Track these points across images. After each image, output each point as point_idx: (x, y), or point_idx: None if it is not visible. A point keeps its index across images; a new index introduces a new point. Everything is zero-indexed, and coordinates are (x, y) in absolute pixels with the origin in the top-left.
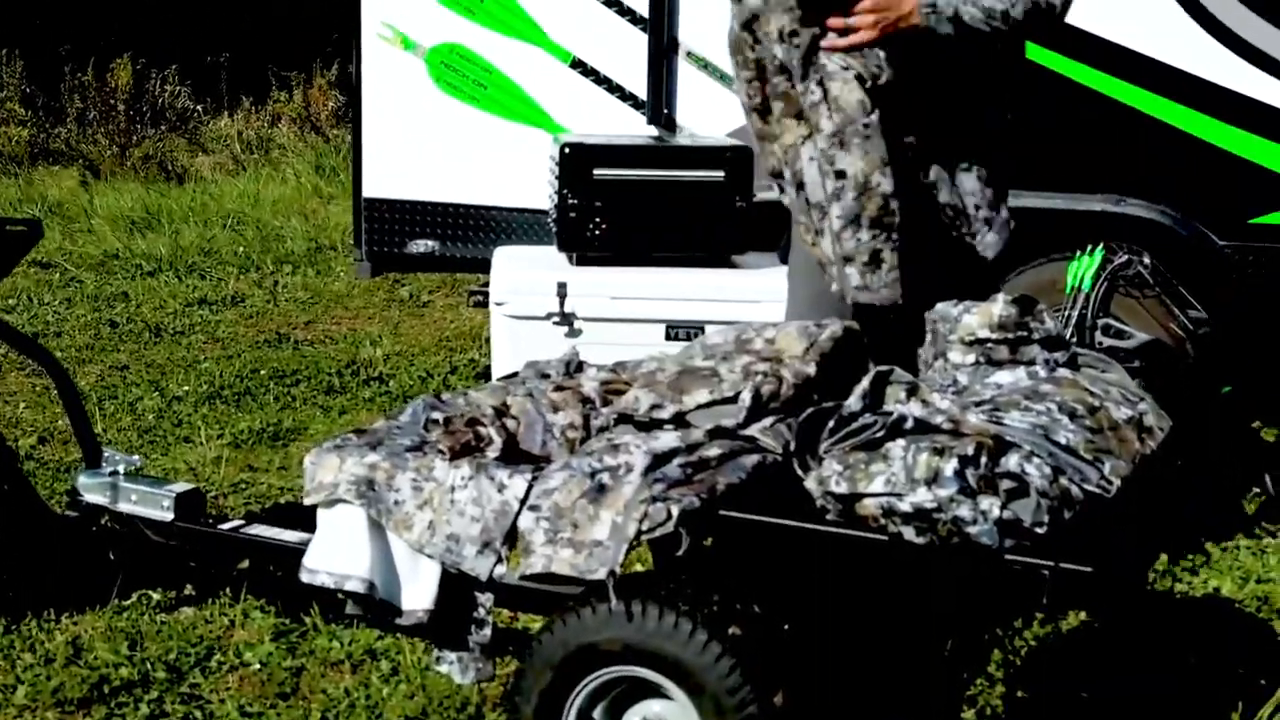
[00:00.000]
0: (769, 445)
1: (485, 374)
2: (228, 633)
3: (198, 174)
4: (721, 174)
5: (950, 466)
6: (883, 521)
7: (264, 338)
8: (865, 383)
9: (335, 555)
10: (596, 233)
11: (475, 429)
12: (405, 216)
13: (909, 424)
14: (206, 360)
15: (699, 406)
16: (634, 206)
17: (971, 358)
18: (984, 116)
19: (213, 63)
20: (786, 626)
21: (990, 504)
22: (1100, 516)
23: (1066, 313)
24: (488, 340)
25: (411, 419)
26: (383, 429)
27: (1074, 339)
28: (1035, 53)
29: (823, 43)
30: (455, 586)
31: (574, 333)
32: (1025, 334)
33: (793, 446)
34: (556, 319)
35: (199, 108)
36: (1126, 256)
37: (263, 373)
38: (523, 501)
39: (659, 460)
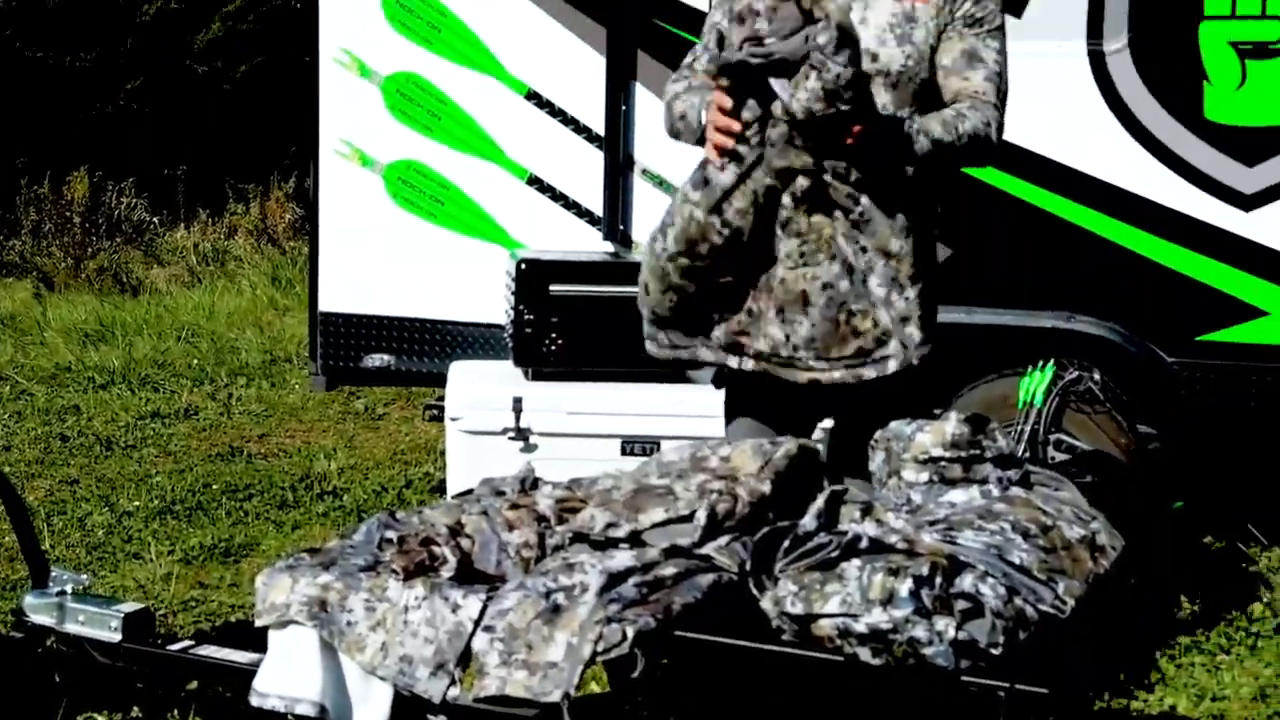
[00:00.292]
0: (724, 564)
1: (441, 488)
2: None
3: (153, 286)
4: None
5: (905, 587)
6: (838, 642)
7: (217, 451)
8: (820, 502)
9: (286, 677)
10: (552, 348)
11: (429, 548)
12: (361, 331)
13: (864, 544)
14: (158, 474)
15: (654, 525)
16: (590, 322)
17: (925, 476)
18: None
19: (170, 175)
20: None
21: (946, 625)
22: (1055, 637)
23: (1019, 428)
24: (443, 454)
25: (365, 538)
26: (336, 548)
27: (1026, 454)
28: (988, 174)
29: None
30: (408, 709)
31: (530, 448)
32: (978, 452)
33: (748, 566)
34: (512, 434)
35: (155, 220)
36: (1077, 373)
37: (215, 487)
38: (477, 622)
39: (614, 580)
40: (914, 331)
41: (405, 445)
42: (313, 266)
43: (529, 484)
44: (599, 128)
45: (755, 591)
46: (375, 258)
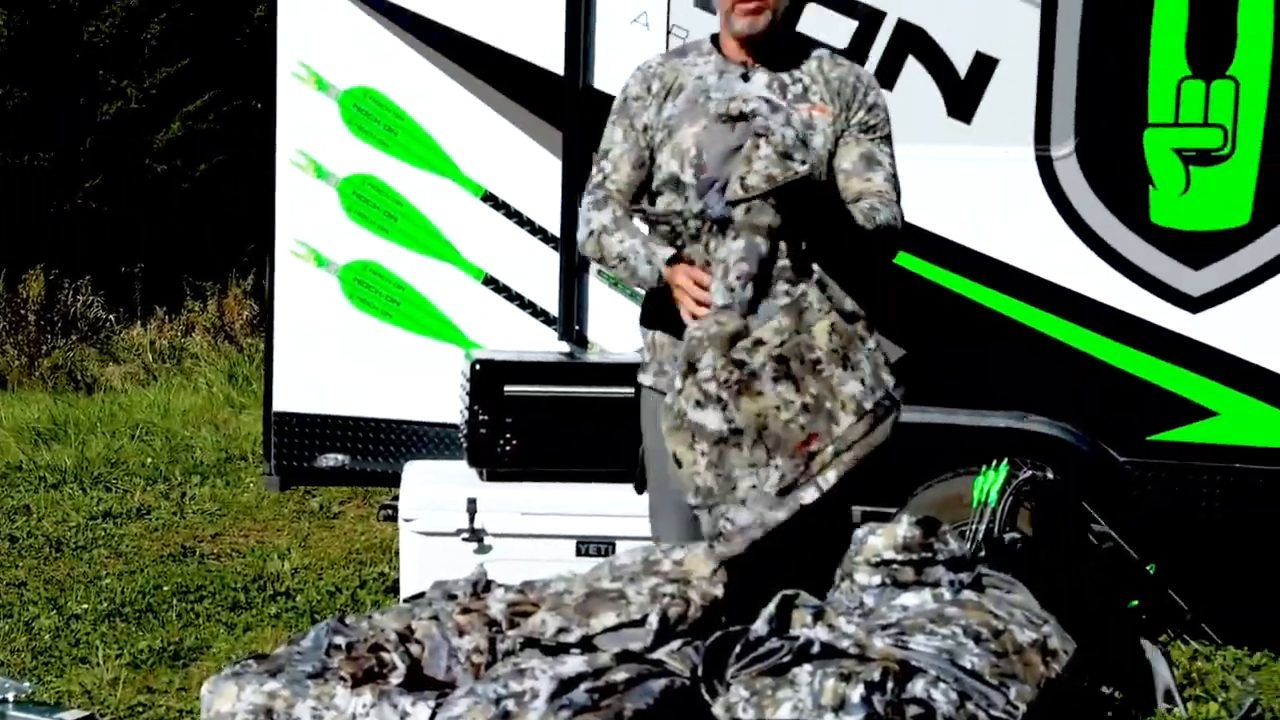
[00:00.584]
0: (676, 669)
1: (395, 588)
2: None
3: (108, 384)
4: (632, 390)
5: (857, 693)
6: None
7: (169, 551)
8: (771, 606)
9: None
10: (507, 448)
11: (378, 654)
12: (315, 430)
13: (816, 649)
14: (108, 576)
15: (606, 630)
16: (544, 422)
17: (878, 579)
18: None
19: (127, 273)
20: None
21: None
22: None
23: (974, 527)
24: (399, 554)
25: (314, 644)
26: (284, 655)
27: (982, 553)
28: (941, 276)
29: None
30: None
31: (484, 549)
32: (930, 555)
33: (700, 671)
34: (466, 535)
35: (111, 318)
36: (1031, 472)
37: (165, 588)
38: None
39: (565, 686)
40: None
41: (360, 544)
42: (268, 366)
43: (481, 587)
44: (554, 229)
45: (707, 697)
46: (330, 357)
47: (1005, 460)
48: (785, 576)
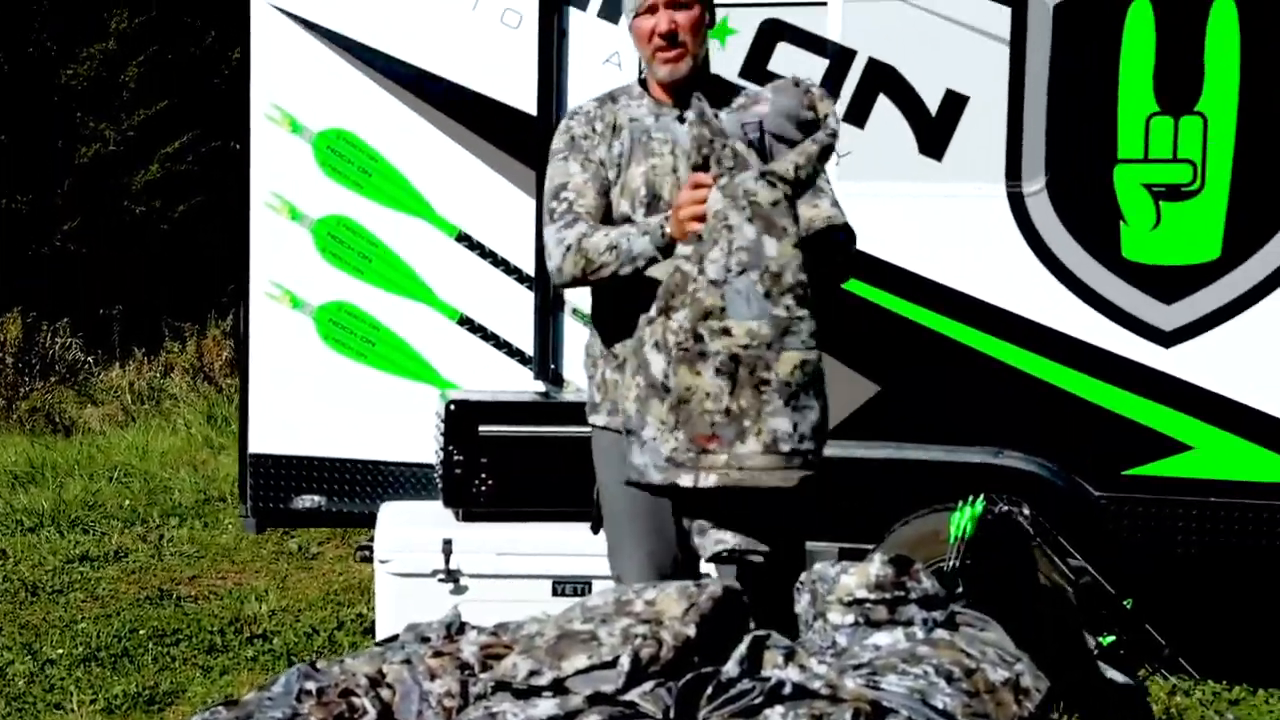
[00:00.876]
0: (648, 710)
1: (373, 629)
2: None
3: (86, 426)
4: None
5: None
6: None
7: (146, 594)
8: (743, 647)
9: None
10: (482, 489)
11: (349, 699)
12: (291, 472)
13: (787, 689)
14: (84, 620)
15: (578, 672)
16: (520, 462)
17: (850, 618)
18: None
19: (105, 315)
20: None
21: None
22: None
23: (951, 562)
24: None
25: (284, 689)
26: (253, 701)
27: (960, 588)
28: (914, 312)
29: None
30: None
31: (460, 590)
32: (902, 594)
33: (672, 713)
34: (441, 576)
35: (90, 359)
36: (1007, 507)
37: (142, 632)
38: None
39: None
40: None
41: (339, 585)
42: (243, 408)
43: (454, 629)
44: (529, 268)
45: None
46: (306, 398)
47: (981, 496)
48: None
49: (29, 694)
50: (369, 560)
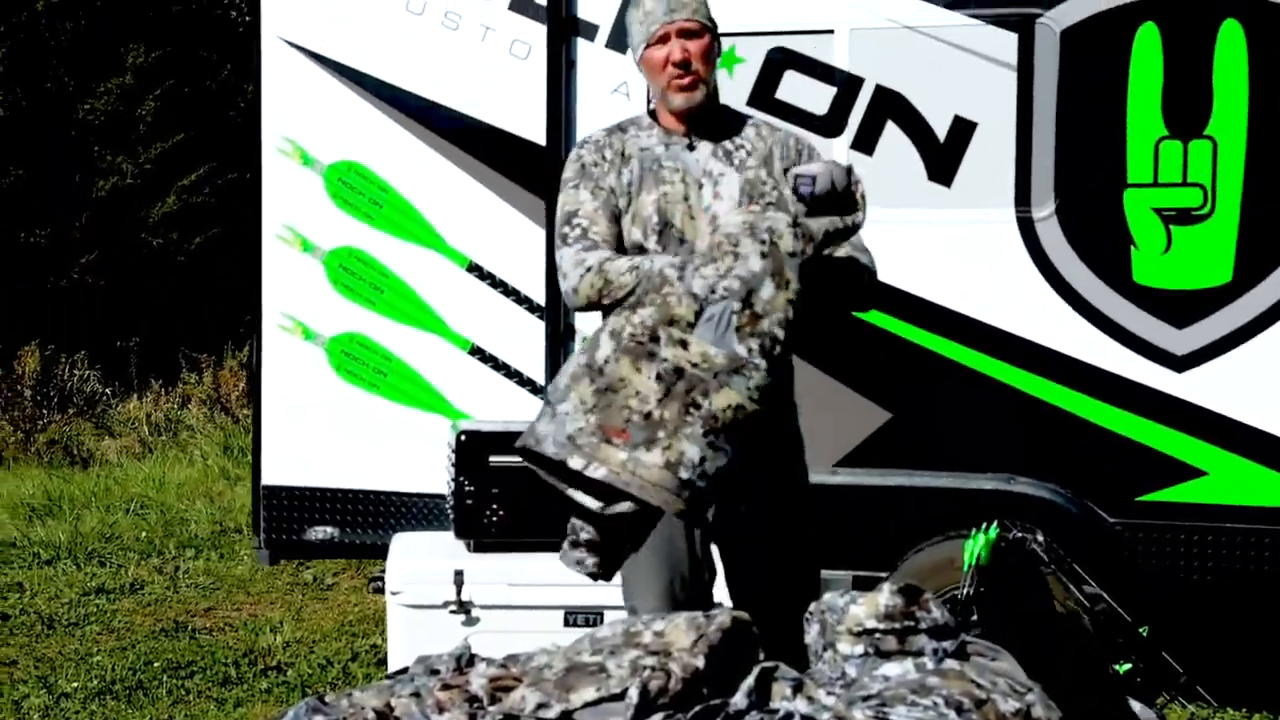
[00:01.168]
0: None
1: (387, 661)
2: None
3: (103, 458)
4: None
5: None
6: None
7: (161, 627)
8: (751, 679)
9: None
10: (494, 519)
11: None
12: (304, 504)
13: None
14: (99, 653)
15: (586, 704)
16: (530, 493)
17: (860, 648)
18: None
19: (123, 347)
20: None
21: None
22: None
23: (964, 590)
24: None
25: None
26: None
27: (975, 616)
28: (925, 338)
29: None
30: None
31: (471, 621)
32: (912, 624)
33: None
34: (454, 607)
35: (107, 391)
36: (1020, 534)
37: (157, 665)
38: None
39: None
40: None
41: (354, 616)
42: (255, 440)
43: (464, 661)
44: (540, 298)
45: None
46: (318, 430)
47: (995, 523)
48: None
49: None
50: (382, 591)
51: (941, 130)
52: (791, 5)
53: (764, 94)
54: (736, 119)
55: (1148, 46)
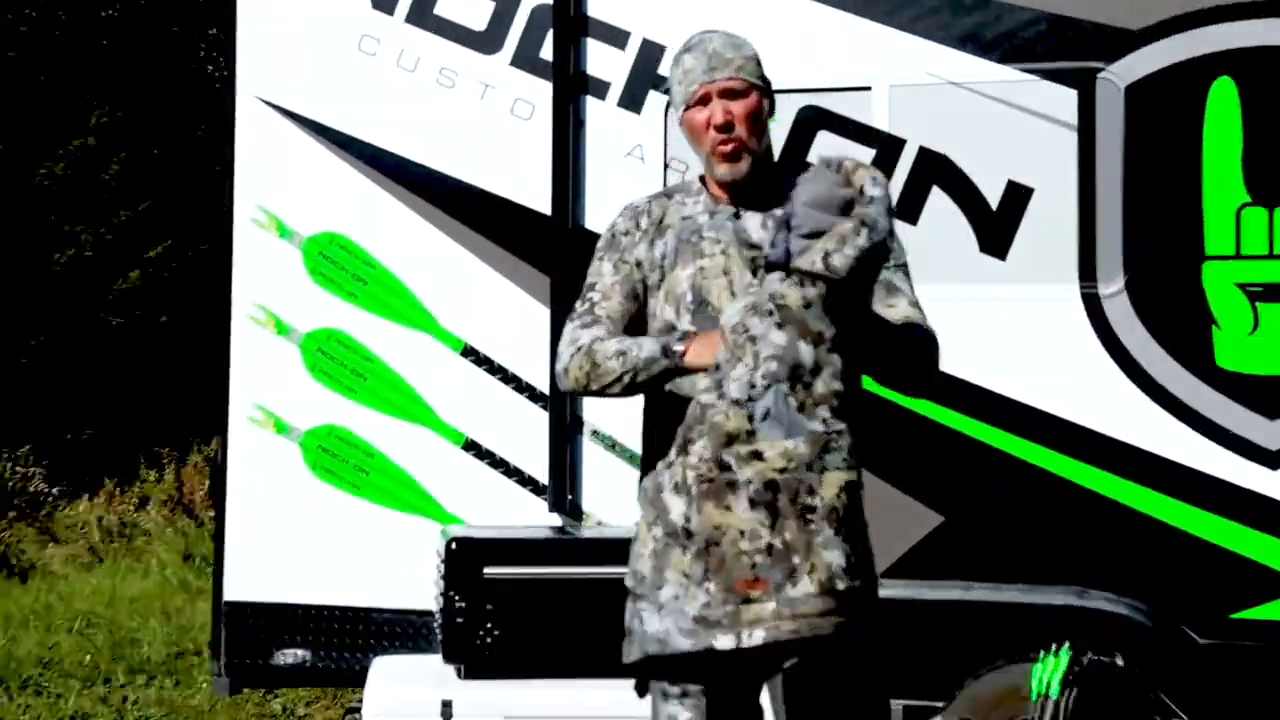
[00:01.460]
0: None
1: None
2: None
3: (46, 568)
4: None
5: None
6: None
7: None
8: None
9: None
10: (488, 640)
11: None
12: (272, 622)
13: None
14: None
15: None
16: (532, 609)
17: None
18: None
19: (73, 440)
20: None
21: None
22: None
23: None
24: None
25: None
26: None
27: None
28: (980, 430)
29: None
30: None
31: None
32: None
33: None
34: None
35: (54, 491)
36: (1096, 658)
37: None
38: None
39: None
40: None
41: None
42: (218, 549)
43: None
44: (543, 386)
45: None
46: (290, 537)
47: (1066, 645)
48: None
49: None
50: None
51: (994, 197)
52: (825, 60)
53: (795, 157)
54: (789, 182)
55: (1224, 101)
